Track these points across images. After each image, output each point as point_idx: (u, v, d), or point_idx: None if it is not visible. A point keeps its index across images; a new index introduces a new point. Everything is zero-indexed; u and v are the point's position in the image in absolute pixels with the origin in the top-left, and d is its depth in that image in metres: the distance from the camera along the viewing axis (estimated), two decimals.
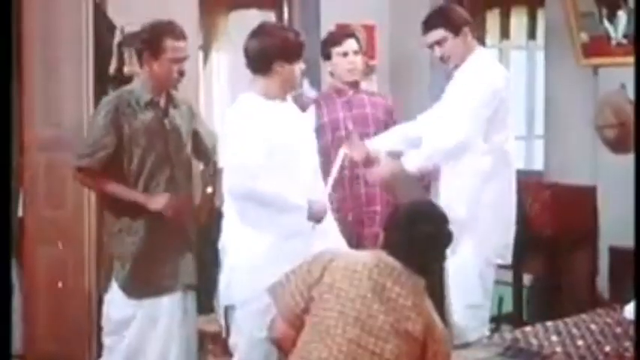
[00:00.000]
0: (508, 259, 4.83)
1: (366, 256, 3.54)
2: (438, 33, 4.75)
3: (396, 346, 3.31)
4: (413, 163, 4.63)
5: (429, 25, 4.80)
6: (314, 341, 3.36)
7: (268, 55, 4.29)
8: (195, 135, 4.83)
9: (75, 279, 5.46)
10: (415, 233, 3.47)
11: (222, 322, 4.50)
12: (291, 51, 4.31)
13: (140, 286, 4.62)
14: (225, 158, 4.35)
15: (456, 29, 4.73)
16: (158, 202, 4.56)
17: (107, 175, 4.59)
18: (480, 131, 4.60)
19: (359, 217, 5.27)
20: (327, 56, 5.47)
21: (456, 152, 4.60)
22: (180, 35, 4.62)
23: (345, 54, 5.37)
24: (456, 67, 4.78)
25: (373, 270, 3.41)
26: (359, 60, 5.44)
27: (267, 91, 4.32)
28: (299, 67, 4.35)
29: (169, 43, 4.57)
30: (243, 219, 4.24)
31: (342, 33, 5.66)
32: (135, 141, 4.58)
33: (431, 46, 4.80)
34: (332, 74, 5.51)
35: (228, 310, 4.43)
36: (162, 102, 4.68)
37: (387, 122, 5.37)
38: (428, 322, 3.37)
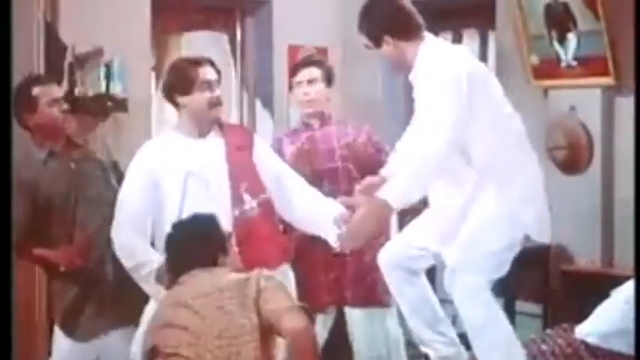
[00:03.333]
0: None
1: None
2: (365, 41, 4.22)
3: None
4: (394, 197, 3.91)
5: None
6: None
7: (167, 90, 4.44)
8: (116, 165, 4.78)
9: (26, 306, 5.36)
10: (178, 245, 3.78)
11: None
12: (182, 83, 4.36)
13: (83, 330, 4.56)
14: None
15: (375, 40, 4.16)
16: (57, 257, 4.48)
17: (35, 243, 4.50)
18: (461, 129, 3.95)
19: None
20: (291, 88, 5.23)
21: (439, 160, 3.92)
22: (47, 80, 4.61)
23: (299, 83, 5.08)
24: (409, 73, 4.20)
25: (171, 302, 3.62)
26: (316, 90, 5.06)
27: (181, 127, 4.43)
28: (203, 97, 4.35)
29: (38, 90, 4.52)
30: None
31: (301, 62, 5.38)
32: (53, 194, 4.50)
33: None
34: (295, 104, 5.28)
35: None
36: (60, 149, 4.56)
37: (358, 157, 5.01)
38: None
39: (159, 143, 4.50)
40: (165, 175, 4.31)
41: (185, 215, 4.09)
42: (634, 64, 5.11)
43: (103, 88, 6.20)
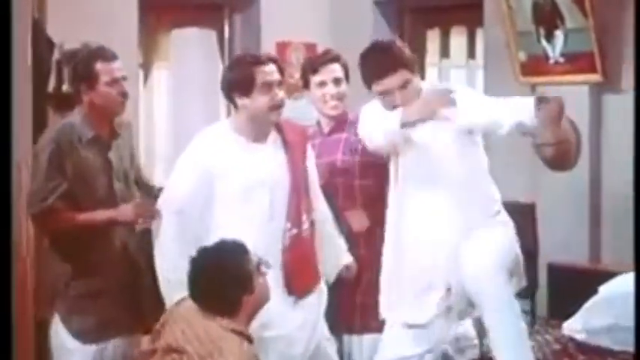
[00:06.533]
0: None
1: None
2: (402, 75, 4.06)
3: None
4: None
5: (386, 67, 4.08)
6: None
7: (226, 89, 4.15)
8: (133, 156, 4.72)
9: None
10: (203, 278, 3.51)
11: None
12: (242, 83, 4.08)
13: (95, 331, 4.49)
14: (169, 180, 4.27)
15: (412, 68, 4.11)
16: (126, 213, 4.31)
17: (65, 211, 4.34)
18: None
19: None
20: (306, 85, 4.74)
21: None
22: (111, 57, 4.49)
23: (323, 84, 4.63)
24: None
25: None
26: (341, 90, 4.63)
27: (237, 126, 4.19)
28: (264, 99, 4.07)
29: (100, 66, 4.44)
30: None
31: (321, 58, 4.84)
32: (80, 178, 4.44)
33: (386, 93, 4.09)
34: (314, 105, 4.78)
35: None
36: (105, 136, 4.52)
37: (367, 162, 4.60)
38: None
39: (215, 139, 4.19)
40: (220, 177, 4.06)
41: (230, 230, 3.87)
42: (634, 61, 5.13)
43: None
